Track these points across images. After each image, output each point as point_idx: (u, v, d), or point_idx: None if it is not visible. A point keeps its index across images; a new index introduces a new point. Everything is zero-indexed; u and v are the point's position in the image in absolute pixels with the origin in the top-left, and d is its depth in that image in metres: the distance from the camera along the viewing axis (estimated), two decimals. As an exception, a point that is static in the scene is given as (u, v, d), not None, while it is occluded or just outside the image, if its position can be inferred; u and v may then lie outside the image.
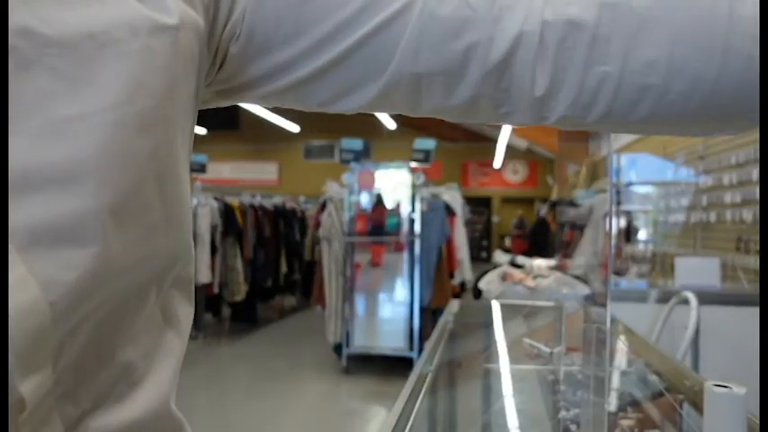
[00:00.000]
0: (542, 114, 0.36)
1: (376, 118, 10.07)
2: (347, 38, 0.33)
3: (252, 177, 12.88)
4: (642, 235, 4.04)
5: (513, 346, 1.51)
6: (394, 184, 4.26)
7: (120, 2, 0.26)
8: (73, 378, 0.26)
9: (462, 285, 5.06)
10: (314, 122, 11.00)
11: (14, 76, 0.23)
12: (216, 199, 4.92)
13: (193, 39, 0.30)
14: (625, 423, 0.96)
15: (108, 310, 0.27)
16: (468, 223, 6.40)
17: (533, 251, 4.60)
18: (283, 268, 5.81)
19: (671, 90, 0.33)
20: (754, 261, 2.70)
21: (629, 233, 3.98)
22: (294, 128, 11.53)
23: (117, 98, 0.25)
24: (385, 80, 0.34)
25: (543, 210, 7.07)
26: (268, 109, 8.47)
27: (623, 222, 3.97)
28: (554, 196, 7.10)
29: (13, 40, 0.23)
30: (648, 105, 0.34)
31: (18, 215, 0.23)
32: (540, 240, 5.57)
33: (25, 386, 0.23)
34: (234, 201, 5.16)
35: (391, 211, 4.23)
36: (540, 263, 3.63)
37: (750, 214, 2.81)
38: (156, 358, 0.31)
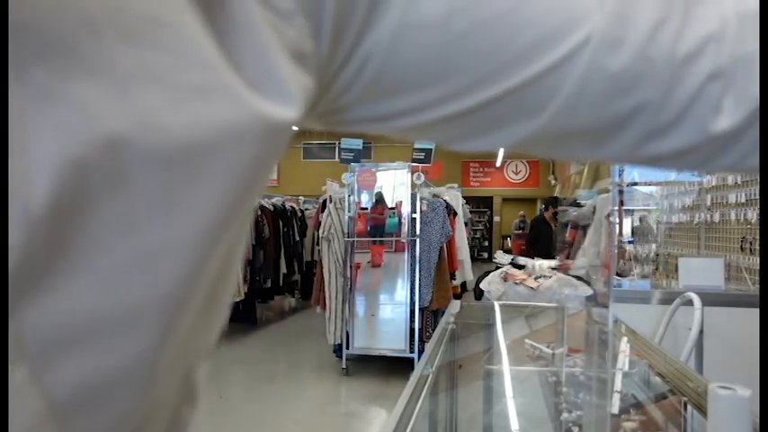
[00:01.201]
0: (697, 166, 0.32)
1: (377, 118, 10.08)
2: (494, 87, 0.27)
3: (253, 177, 12.87)
4: (643, 236, 4.03)
5: (514, 348, 1.49)
6: (394, 184, 4.25)
7: (232, 96, 0.20)
8: None
9: (463, 286, 5.05)
10: (315, 123, 11.05)
11: (100, 200, 0.17)
12: (216, 199, 4.92)
13: (303, 113, 0.24)
14: (628, 425, 0.94)
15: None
16: (468, 223, 6.39)
17: (534, 254, 4.58)
18: (283, 269, 5.81)
19: None
20: (758, 261, 2.68)
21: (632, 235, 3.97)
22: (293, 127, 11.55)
23: (210, 224, 0.20)
24: (529, 131, 0.29)
25: (542, 209, 7.06)
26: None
27: (633, 221, 3.95)
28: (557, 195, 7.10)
29: (99, 156, 0.17)
30: None
31: (67, 374, 0.18)
32: (541, 242, 5.55)
33: None
34: (234, 201, 5.15)
35: (392, 211, 4.23)
36: (541, 263, 3.61)
37: (755, 214, 2.80)
38: None
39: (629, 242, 3.94)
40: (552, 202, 5.43)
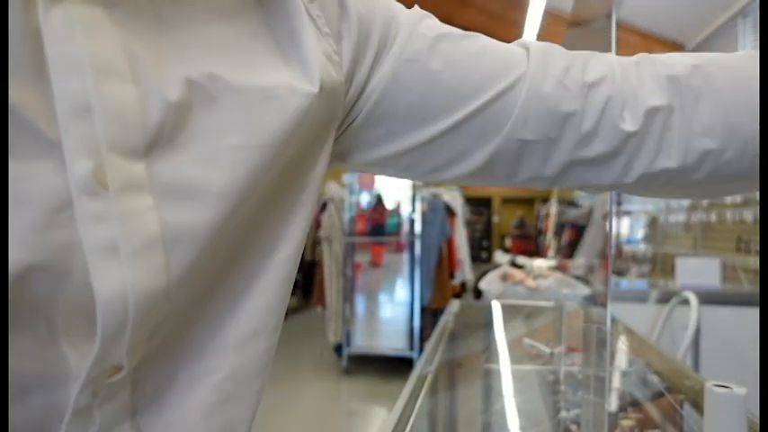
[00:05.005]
0: (624, 175, 0.41)
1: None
2: (462, 109, 0.38)
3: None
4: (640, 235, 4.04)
5: (513, 347, 1.51)
6: (394, 185, 4.26)
7: (283, 72, 0.33)
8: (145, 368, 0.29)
9: (463, 285, 5.06)
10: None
11: (202, 108, 0.29)
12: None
13: (332, 101, 0.35)
14: (625, 423, 0.95)
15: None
16: (468, 223, 6.40)
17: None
18: (283, 268, 5.80)
19: (727, 151, 0.39)
20: (754, 261, 2.70)
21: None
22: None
23: (268, 139, 0.31)
24: (495, 145, 0.39)
25: (544, 211, 7.05)
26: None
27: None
28: (554, 197, 7.10)
29: (203, 81, 0.29)
30: (709, 166, 0.40)
31: (173, 214, 0.27)
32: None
33: (131, 350, 0.27)
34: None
35: (392, 211, 4.24)
36: (540, 263, 3.62)
37: (750, 214, 2.81)
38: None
39: (629, 242, 3.96)
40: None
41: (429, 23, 0.39)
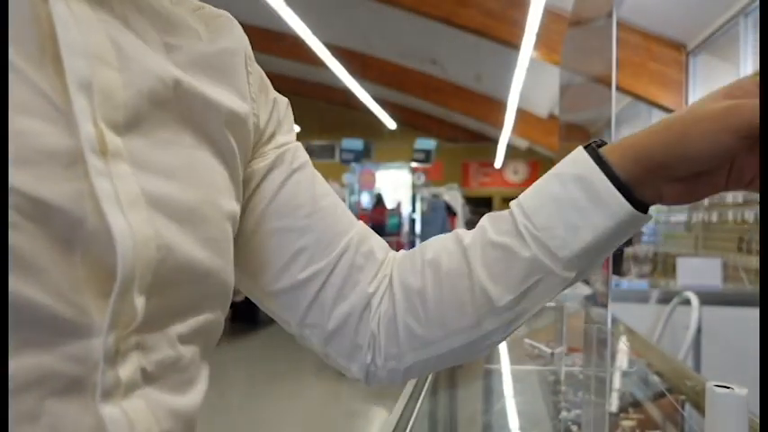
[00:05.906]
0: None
1: (376, 118, 10.06)
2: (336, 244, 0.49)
3: (252, 178, 12.80)
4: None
5: (513, 347, 1.50)
6: (394, 185, 4.27)
7: (223, 90, 0.41)
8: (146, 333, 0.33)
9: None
10: (314, 122, 11.01)
11: (161, 105, 0.36)
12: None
13: (243, 132, 0.43)
14: (626, 424, 0.96)
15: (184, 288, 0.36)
16: (468, 223, 6.40)
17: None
18: (284, 268, 5.80)
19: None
20: (755, 261, 2.70)
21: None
22: (295, 128, 11.52)
23: (208, 138, 0.39)
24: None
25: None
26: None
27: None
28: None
29: (168, 81, 0.36)
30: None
31: (145, 183, 0.33)
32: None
33: (138, 301, 0.31)
34: (234, 201, 5.15)
35: (392, 211, 4.24)
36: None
37: (752, 214, 2.81)
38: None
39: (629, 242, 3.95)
40: None
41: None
